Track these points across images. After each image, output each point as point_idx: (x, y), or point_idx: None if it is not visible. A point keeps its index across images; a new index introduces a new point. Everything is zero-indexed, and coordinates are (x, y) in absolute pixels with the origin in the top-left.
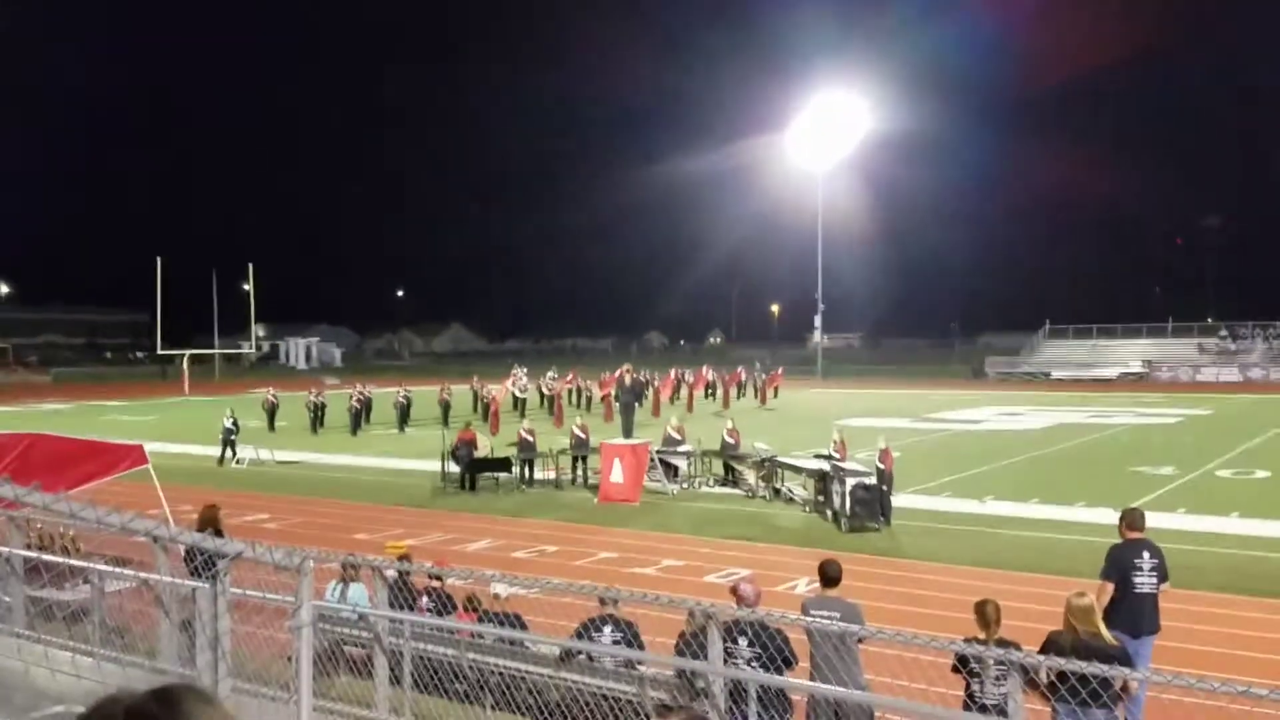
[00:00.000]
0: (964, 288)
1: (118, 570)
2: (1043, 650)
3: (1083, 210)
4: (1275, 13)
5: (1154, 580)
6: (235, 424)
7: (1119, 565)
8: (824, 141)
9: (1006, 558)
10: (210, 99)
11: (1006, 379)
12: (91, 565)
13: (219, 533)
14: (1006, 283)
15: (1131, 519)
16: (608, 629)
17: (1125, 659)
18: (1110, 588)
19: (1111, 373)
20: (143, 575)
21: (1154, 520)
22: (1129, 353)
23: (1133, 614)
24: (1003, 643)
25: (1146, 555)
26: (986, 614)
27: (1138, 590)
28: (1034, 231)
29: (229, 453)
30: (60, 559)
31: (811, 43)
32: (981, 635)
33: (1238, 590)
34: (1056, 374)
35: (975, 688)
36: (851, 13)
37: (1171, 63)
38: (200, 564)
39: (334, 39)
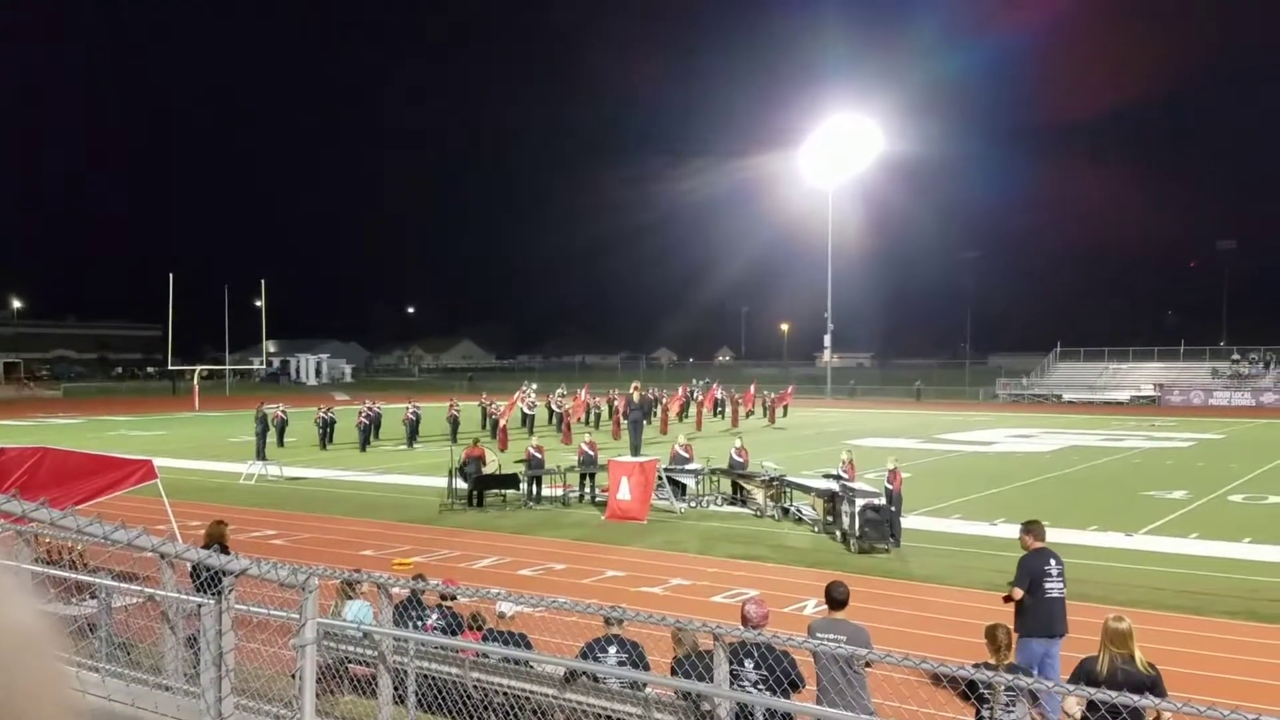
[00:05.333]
0: (975, 309)
1: (124, 585)
2: (1073, 678)
3: (1096, 233)
4: None
5: (1061, 585)
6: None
7: (1031, 573)
8: (836, 161)
9: None
10: (223, 117)
11: (1018, 400)
12: (99, 580)
13: (225, 549)
14: (1018, 304)
15: (1035, 530)
16: (613, 649)
17: (1158, 687)
18: (1019, 593)
19: (1123, 395)
20: (149, 591)
21: (1166, 545)
22: (1141, 376)
23: (1048, 618)
24: (1014, 668)
25: (1053, 562)
26: (998, 638)
27: (1049, 595)
28: (1046, 253)
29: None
30: (68, 574)
31: (826, 65)
32: (992, 660)
33: (1249, 616)
34: (1068, 396)
35: (985, 713)
36: (867, 37)
37: (1187, 91)
38: (206, 580)
39: (344, 60)
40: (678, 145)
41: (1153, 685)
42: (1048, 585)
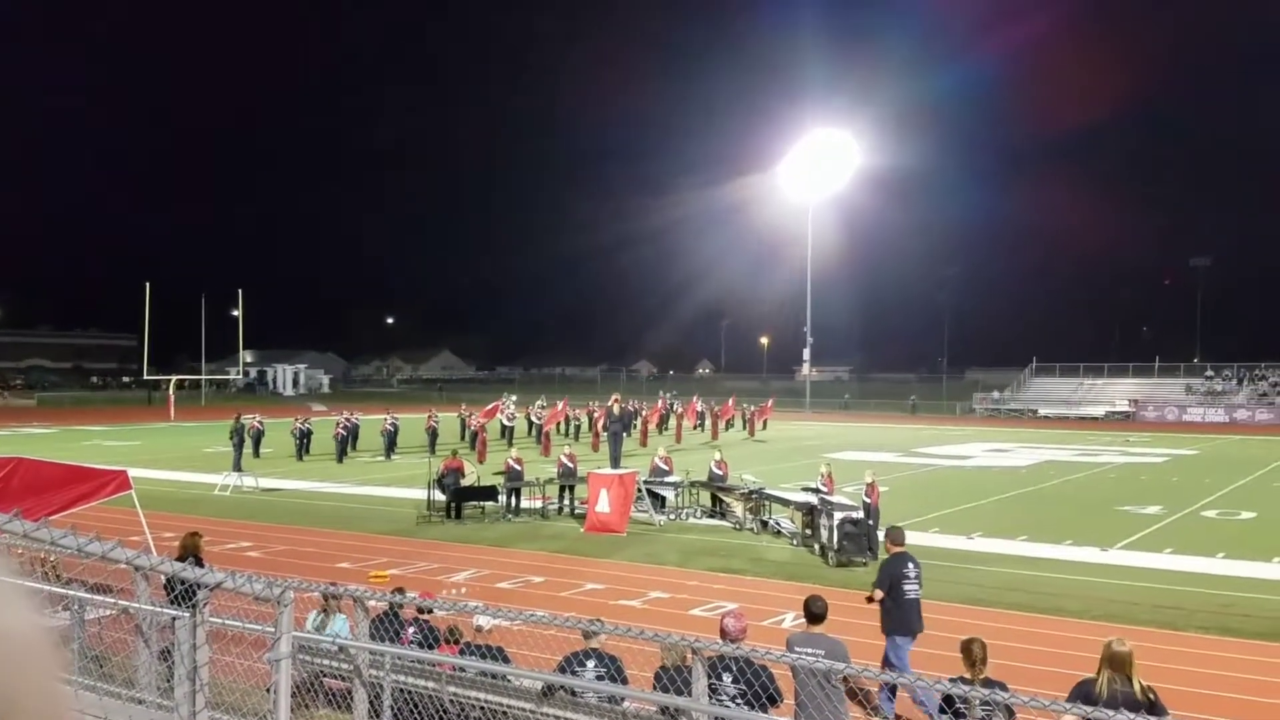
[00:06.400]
0: (952, 324)
1: (98, 598)
2: (1071, 699)
3: (1072, 249)
4: (1260, 65)
5: (918, 587)
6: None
7: (891, 576)
8: (816, 176)
9: (994, 595)
10: (203, 125)
11: (994, 415)
12: (72, 592)
13: (200, 561)
14: (994, 320)
15: (895, 536)
16: (591, 663)
17: (1156, 711)
18: (880, 594)
19: (1098, 411)
20: (123, 603)
21: (1140, 560)
22: (1116, 391)
23: (905, 618)
24: (989, 682)
25: (911, 566)
26: (973, 653)
27: (907, 597)
28: (1023, 269)
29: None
30: (41, 585)
31: (805, 82)
32: (968, 674)
33: (1222, 631)
34: (1043, 411)
35: None
36: (848, 53)
37: (1162, 109)
38: (180, 593)
39: (329, 71)
40: (659, 159)
41: (1149, 710)
42: (906, 587)
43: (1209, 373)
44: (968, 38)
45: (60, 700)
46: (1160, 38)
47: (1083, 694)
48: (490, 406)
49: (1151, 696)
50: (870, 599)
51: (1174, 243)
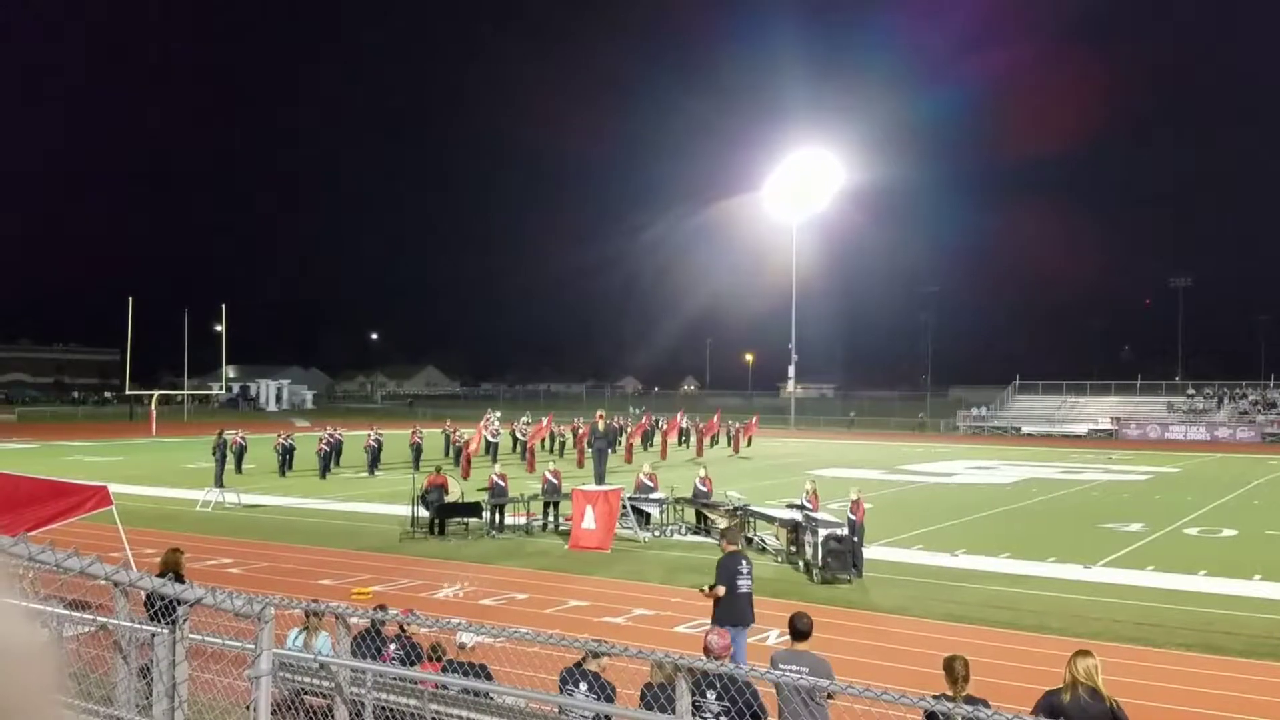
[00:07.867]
0: (935, 342)
1: (76, 614)
2: (1037, 709)
3: (1054, 268)
4: (1239, 88)
5: (749, 582)
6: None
7: (728, 572)
8: (800, 195)
9: (977, 612)
10: (184, 138)
11: (978, 432)
12: (50, 609)
13: (180, 578)
14: (977, 338)
15: (730, 536)
16: (584, 686)
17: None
18: (722, 590)
19: (1081, 429)
20: (101, 620)
21: (1122, 577)
22: (1098, 409)
23: (738, 611)
24: (971, 700)
25: (744, 563)
26: (955, 670)
27: (740, 591)
28: (1005, 288)
29: None
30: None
31: (791, 101)
32: (950, 691)
33: (1204, 649)
34: (1026, 429)
35: None
36: (831, 74)
37: (1144, 131)
38: (160, 609)
39: (308, 86)
40: (645, 178)
41: (1114, 719)
42: (739, 582)
43: (1190, 391)
44: (951, 59)
45: (54, 713)
46: (1141, 62)
47: (1048, 704)
48: (475, 434)
49: (1115, 706)
50: (706, 593)
51: (1155, 263)
